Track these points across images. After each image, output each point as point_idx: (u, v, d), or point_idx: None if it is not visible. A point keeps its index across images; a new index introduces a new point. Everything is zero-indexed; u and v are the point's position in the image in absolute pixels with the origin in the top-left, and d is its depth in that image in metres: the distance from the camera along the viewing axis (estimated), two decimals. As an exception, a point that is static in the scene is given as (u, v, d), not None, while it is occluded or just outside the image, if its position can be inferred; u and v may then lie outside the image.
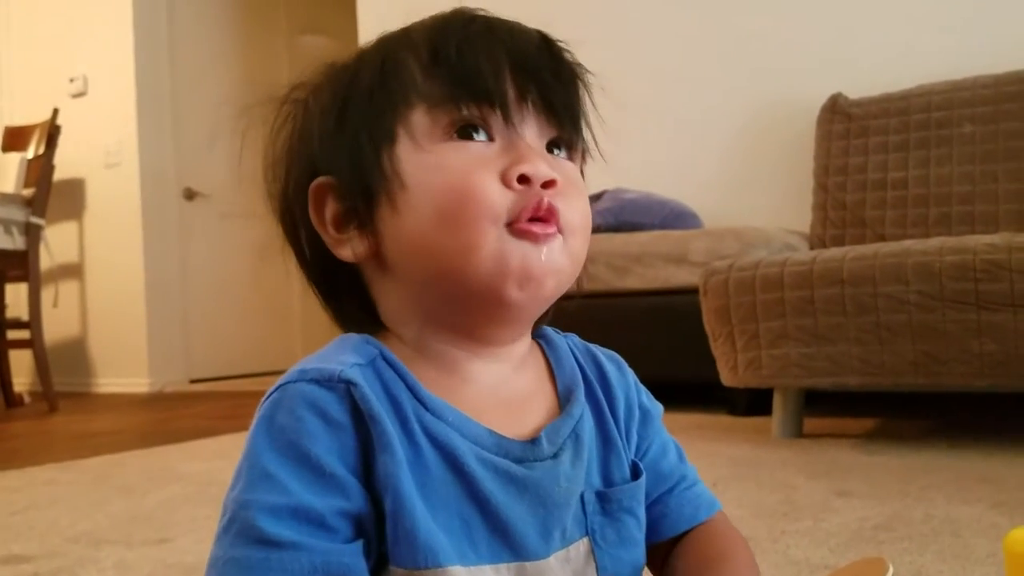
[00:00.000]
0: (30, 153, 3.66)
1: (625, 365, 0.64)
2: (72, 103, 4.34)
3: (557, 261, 0.51)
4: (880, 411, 2.31)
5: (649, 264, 2.45)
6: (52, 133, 3.60)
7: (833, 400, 2.40)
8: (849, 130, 2.61)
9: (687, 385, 2.51)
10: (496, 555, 0.51)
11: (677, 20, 3.11)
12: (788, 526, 1.17)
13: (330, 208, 0.55)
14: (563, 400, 0.58)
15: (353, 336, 0.55)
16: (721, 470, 1.60)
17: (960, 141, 2.41)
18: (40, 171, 3.53)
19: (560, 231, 0.52)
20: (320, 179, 0.55)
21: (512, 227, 0.50)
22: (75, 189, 4.43)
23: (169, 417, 3.15)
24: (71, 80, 4.46)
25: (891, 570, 0.72)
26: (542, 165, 0.51)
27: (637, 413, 0.62)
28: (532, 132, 0.53)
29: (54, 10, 4.57)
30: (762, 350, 1.84)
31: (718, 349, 1.96)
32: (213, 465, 1.91)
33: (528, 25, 0.55)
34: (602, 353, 0.64)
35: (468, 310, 0.53)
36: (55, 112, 3.65)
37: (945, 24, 2.67)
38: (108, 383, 4.39)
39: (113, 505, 1.54)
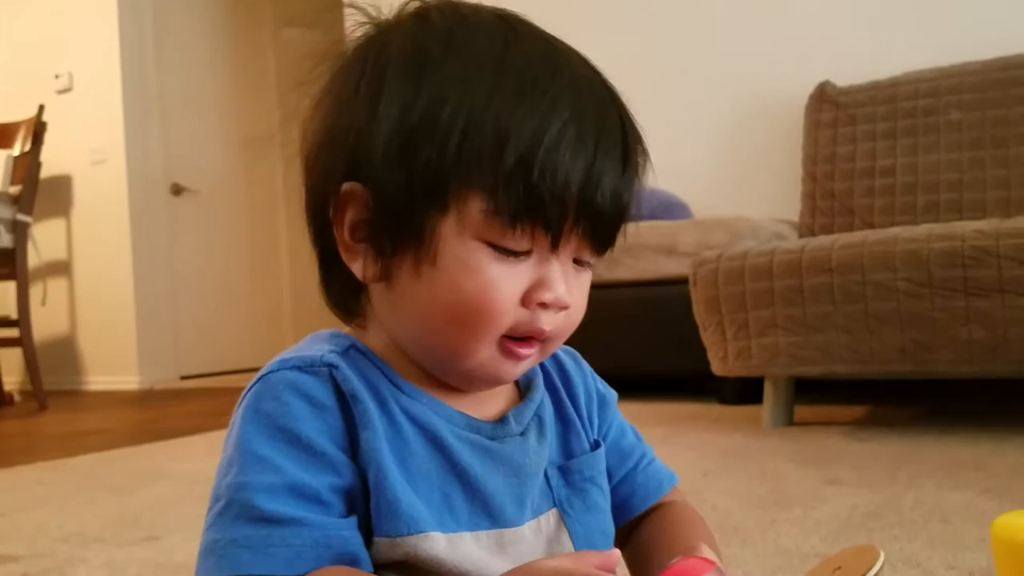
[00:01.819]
0: (16, 150, 3.63)
1: (580, 357, 0.67)
2: (57, 100, 4.30)
3: (528, 367, 0.56)
4: (870, 398, 2.31)
5: (639, 255, 2.45)
6: (38, 130, 3.58)
7: (823, 388, 2.40)
8: (837, 118, 2.61)
9: (677, 375, 2.52)
10: (475, 524, 0.53)
11: (663, 10, 3.10)
12: (778, 515, 1.17)
13: (352, 213, 0.53)
14: (523, 389, 0.61)
15: (323, 332, 0.57)
16: (712, 459, 1.60)
17: (947, 128, 2.42)
18: (26, 168, 3.51)
19: (543, 342, 0.54)
20: (355, 186, 0.52)
21: (502, 340, 0.52)
22: (62, 186, 4.40)
23: (158, 415, 3.14)
24: (56, 76, 4.43)
25: (882, 557, 0.72)
26: (563, 294, 0.52)
27: (596, 398, 0.66)
28: (568, 251, 0.53)
29: (38, 6, 4.53)
30: (752, 339, 1.85)
31: (708, 339, 1.96)
32: (202, 464, 1.91)
33: (611, 106, 0.53)
34: (559, 349, 0.65)
35: (443, 369, 0.55)
36: (41, 109, 3.63)
37: (931, 11, 2.67)
38: (98, 381, 4.37)
39: (102, 504, 1.53)
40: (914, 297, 1.64)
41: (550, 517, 0.57)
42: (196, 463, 1.92)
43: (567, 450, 0.61)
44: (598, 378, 0.67)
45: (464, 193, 0.49)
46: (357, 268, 0.54)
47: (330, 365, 0.52)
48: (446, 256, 0.50)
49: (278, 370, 0.52)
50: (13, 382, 4.05)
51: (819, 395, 2.32)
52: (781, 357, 1.81)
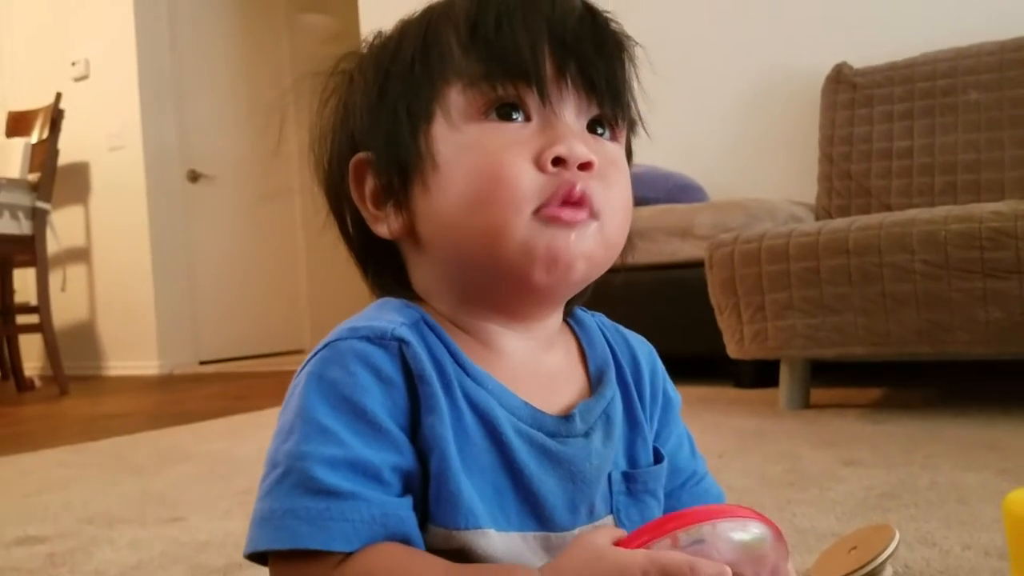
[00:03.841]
0: (34, 138, 3.66)
1: (656, 355, 0.64)
2: (74, 87, 4.33)
3: (587, 246, 0.51)
4: (886, 380, 2.31)
5: (654, 238, 2.44)
6: (55, 117, 3.61)
7: (839, 370, 2.40)
8: (854, 99, 2.60)
9: (693, 358, 2.51)
10: (524, 524, 0.52)
11: (679, -8, 3.09)
12: (795, 495, 1.18)
13: (369, 184, 0.55)
14: (594, 381, 0.58)
15: (393, 300, 0.55)
16: (728, 441, 1.61)
17: (965, 109, 2.40)
18: (44, 155, 3.54)
19: (594, 215, 0.51)
20: (360, 155, 0.55)
21: (540, 212, 0.49)
22: (80, 173, 4.43)
23: (179, 399, 3.17)
24: (73, 64, 4.45)
25: (897, 536, 0.73)
26: (578, 146, 0.50)
27: (660, 400, 0.62)
28: (571, 111, 0.52)
29: (54, -7, 4.56)
30: (768, 322, 1.85)
31: (724, 321, 1.96)
32: (223, 445, 1.93)
33: None
34: (632, 336, 0.64)
35: (498, 288, 0.53)
36: (58, 96, 3.65)
37: (950, -10, 2.65)
38: (118, 366, 4.42)
39: (125, 485, 1.55)
40: (931, 279, 1.64)
41: (606, 524, 0.55)
42: (218, 444, 1.94)
43: (632, 455, 0.58)
44: (668, 379, 0.64)
45: (440, 91, 0.52)
46: (383, 230, 0.55)
47: (400, 340, 0.50)
48: (445, 152, 0.51)
49: (347, 338, 0.50)
50: (34, 367, 4.10)
51: (835, 377, 2.32)
52: (798, 339, 1.81)
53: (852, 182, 2.53)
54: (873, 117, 2.55)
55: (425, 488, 0.49)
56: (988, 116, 2.35)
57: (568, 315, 0.61)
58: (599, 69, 0.52)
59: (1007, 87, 2.34)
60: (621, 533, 0.46)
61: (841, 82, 2.63)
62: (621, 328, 0.64)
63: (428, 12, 0.54)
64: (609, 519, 0.55)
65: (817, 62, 2.71)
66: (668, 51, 3.09)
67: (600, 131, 0.54)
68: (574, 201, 0.50)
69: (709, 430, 1.73)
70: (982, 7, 2.58)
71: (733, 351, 1.97)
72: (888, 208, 2.37)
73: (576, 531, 0.53)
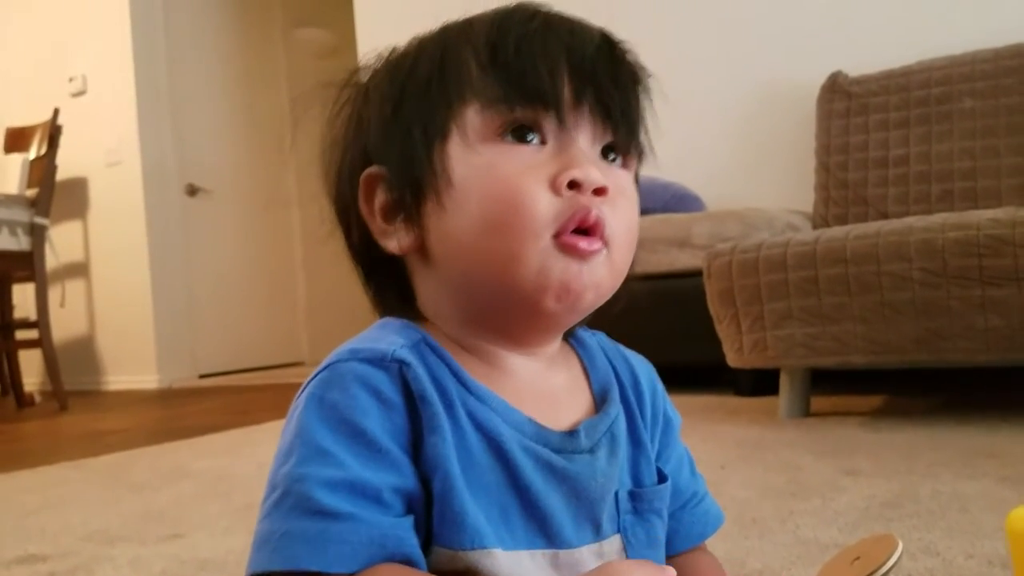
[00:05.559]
0: (32, 154, 3.66)
1: (656, 374, 0.64)
2: (72, 102, 4.34)
3: (598, 276, 0.51)
4: (886, 389, 2.31)
5: (652, 248, 2.45)
6: (53, 133, 3.61)
7: (839, 379, 2.40)
8: (849, 108, 2.60)
9: (693, 367, 2.52)
10: (531, 542, 0.51)
11: (675, 2, 3.10)
12: (796, 506, 1.17)
13: (379, 198, 0.55)
14: (598, 400, 0.58)
15: (394, 321, 0.55)
16: (728, 451, 1.61)
17: (961, 116, 2.41)
18: (43, 171, 3.54)
19: (605, 244, 0.51)
20: (372, 169, 0.55)
21: (558, 239, 0.49)
22: (78, 189, 4.44)
23: (178, 414, 3.16)
24: (70, 79, 4.46)
25: (900, 547, 0.73)
26: (593, 171, 0.50)
27: (661, 421, 0.62)
28: (586, 137, 0.52)
29: (51, 9, 4.57)
30: (767, 331, 1.85)
31: (723, 331, 1.96)
32: (223, 461, 1.93)
33: (591, 23, 0.54)
34: (633, 356, 0.64)
35: (505, 313, 0.53)
36: (56, 112, 3.66)
37: (944, -1, 2.66)
38: (117, 380, 4.41)
39: (126, 503, 1.55)
40: (930, 287, 1.64)
41: (613, 543, 0.55)
42: (218, 460, 1.94)
43: (637, 474, 0.58)
44: (668, 400, 0.64)
45: (457, 110, 0.51)
46: (393, 245, 0.54)
47: (401, 361, 0.50)
48: (461, 170, 0.51)
49: (348, 360, 0.50)
50: (33, 383, 4.09)
51: (835, 386, 2.32)
52: (797, 348, 1.82)
53: (849, 191, 2.54)
54: (869, 125, 2.56)
55: (429, 510, 0.49)
56: (984, 123, 2.36)
57: (569, 335, 0.61)
58: (615, 98, 0.52)
59: (1002, 94, 2.35)
60: None
61: (837, 91, 2.64)
62: (622, 348, 0.64)
63: (445, 31, 0.55)
64: (616, 538, 0.55)
65: (812, 71, 2.72)
66: (664, 60, 3.10)
67: (612, 158, 0.55)
68: (589, 226, 0.50)
69: (710, 440, 1.73)
70: (977, 15, 2.59)
71: (732, 360, 1.97)
72: (885, 216, 2.38)
73: (584, 548, 0.53)
